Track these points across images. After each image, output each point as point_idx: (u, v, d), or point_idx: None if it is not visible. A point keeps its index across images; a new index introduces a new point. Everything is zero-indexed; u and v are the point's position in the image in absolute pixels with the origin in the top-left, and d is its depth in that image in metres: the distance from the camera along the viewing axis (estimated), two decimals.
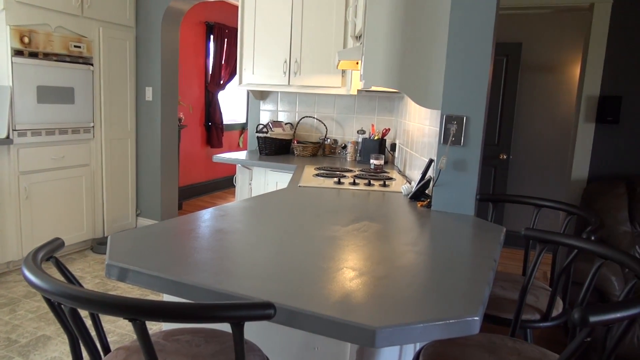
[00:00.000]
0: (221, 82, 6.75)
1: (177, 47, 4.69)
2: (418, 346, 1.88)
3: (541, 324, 1.65)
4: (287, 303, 1.02)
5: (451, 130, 2.00)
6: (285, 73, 3.65)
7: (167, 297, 1.57)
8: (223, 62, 6.74)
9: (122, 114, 4.45)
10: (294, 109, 4.08)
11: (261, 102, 4.18)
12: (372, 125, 3.77)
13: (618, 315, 0.91)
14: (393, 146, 3.75)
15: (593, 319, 0.88)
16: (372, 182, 2.65)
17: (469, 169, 2.01)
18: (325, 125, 3.98)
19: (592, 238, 1.50)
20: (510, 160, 5.03)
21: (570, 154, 3.30)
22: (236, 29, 6.86)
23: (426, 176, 2.21)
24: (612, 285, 2.44)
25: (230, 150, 7.35)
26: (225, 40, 6.73)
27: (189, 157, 6.45)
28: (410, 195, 2.26)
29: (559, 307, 1.75)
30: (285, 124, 3.95)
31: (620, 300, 0.95)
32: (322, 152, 3.97)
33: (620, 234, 2.81)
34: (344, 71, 3.51)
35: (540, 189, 4.96)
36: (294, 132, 3.98)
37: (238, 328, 0.84)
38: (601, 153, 3.17)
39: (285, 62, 3.64)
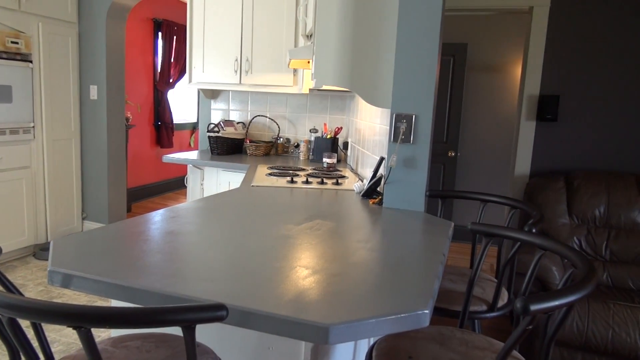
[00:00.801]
0: (170, 80, 6.59)
1: (123, 44, 4.53)
2: (372, 341, 1.91)
3: (488, 315, 1.71)
4: (240, 304, 1.01)
5: (401, 129, 2.04)
6: (236, 72, 3.61)
7: (115, 303, 1.52)
8: (172, 60, 6.58)
9: (65, 114, 4.26)
10: (246, 108, 4.04)
11: (212, 101, 4.12)
12: (325, 124, 3.79)
13: (557, 303, 0.96)
14: (345, 145, 3.79)
15: (534, 307, 0.92)
16: (325, 180, 2.67)
17: (419, 166, 2.06)
18: (277, 124, 3.97)
19: (533, 231, 1.57)
20: (458, 157, 5.20)
21: (513, 150, 3.44)
22: (185, 26, 6.71)
23: (377, 174, 2.24)
24: (553, 274, 2.56)
25: (181, 150, 7.19)
26: (174, 37, 6.57)
27: (138, 157, 6.26)
28: (362, 193, 2.29)
29: (504, 298, 1.82)
30: (237, 123, 3.91)
31: (558, 289, 1.00)
32: (275, 151, 3.95)
33: (560, 226, 2.96)
34: (295, 70, 3.51)
35: (486, 184, 5.15)
36: (246, 131, 3.95)
37: (189, 331, 0.83)
38: (542, 149, 3.33)
39: (237, 60, 3.60)
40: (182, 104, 7.38)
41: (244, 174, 3.07)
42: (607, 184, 2.95)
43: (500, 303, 1.78)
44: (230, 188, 3.31)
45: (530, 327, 0.98)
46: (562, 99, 3.25)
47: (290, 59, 2.76)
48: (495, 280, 1.95)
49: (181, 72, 6.72)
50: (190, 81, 3.75)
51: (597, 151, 3.23)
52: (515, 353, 1.33)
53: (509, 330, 3.15)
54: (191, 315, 0.80)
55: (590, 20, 3.15)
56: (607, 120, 3.19)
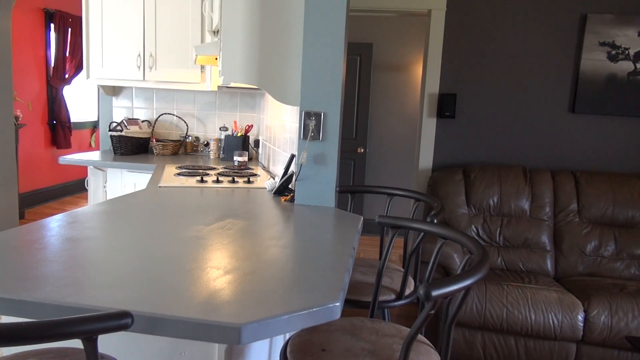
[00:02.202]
0: (66, 76, 6.13)
1: (8, 36, 4.14)
2: (288, 337, 1.92)
3: (396, 303, 1.80)
4: (147, 310, 0.97)
5: (310, 126, 2.07)
6: (139, 67, 3.44)
7: (7, 319, 1.39)
8: (67, 54, 6.12)
9: None
10: (151, 106, 3.87)
11: (114, 98, 3.89)
12: (235, 122, 3.74)
13: (455, 287, 1.04)
14: (256, 142, 3.76)
15: (435, 293, 0.98)
16: (236, 179, 2.63)
17: (328, 163, 2.11)
18: (185, 122, 3.85)
19: (435, 221, 1.68)
20: (367, 154, 5.38)
21: (417, 146, 3.63)
22: (81, 18, 6.27)
23: (289, 171, 2.26)
24: (454, 261, 2.75)
25: (80, 150, 6.72)
26: (69, 29, 6.12)
27: (31, 159, 5.76)
28: (274, 190, 2.29)
29: (411, 286, 1.92)
30: (142, 121, 3.73)
31: (456, 275, 1.08)
32: (184, 150, 3.83)
33: (460, 215, 3.17)
34: (203, 66, 3.42)
35: (394, 178, 5.39)
36: (152, 130, 3.78)
37: (90, 343, 0.78)
38: (442, 145, 3.55)
39: (139, 55, 3.43)
40: (80, 101, 6.89)
41: (151, 175, 2.94)
42: (500, 175, 3.21)
43: (408, 291, 1.87)
44: (136, 190, 3.15)
45: (433, 311, 1.04)
46: (458, 97, 3.48)
47: (196, 55, 2.68)
48: (403, 270, 2.05)
49: (78, 67, 6.27)
50: (88, 77, 3.52)
51: (490, 145, 3.50)
52: (420, 337, 1.41)
53: (417, 316, 3.32)
54: (90, 325, 0.76)
55: (483, 24, 3.40)
56: (497, 117, 3.47)
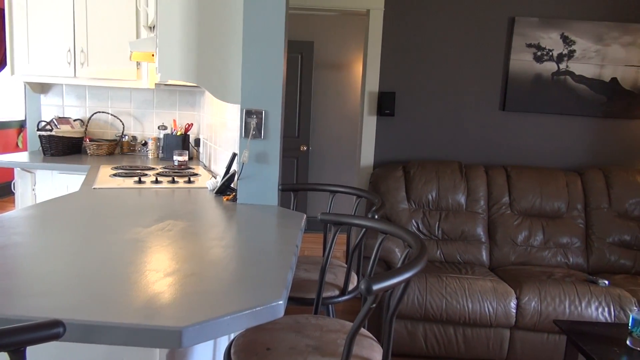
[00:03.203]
0: None
1: None
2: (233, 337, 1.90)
3: (340, 299, 1.82)
4: (81, 317, 0.93)
5: (251, 124, 2.05)
6: (69, 63, 3.27)
7: None
8: None
9: None
10: (84, 104, 3.69)
11: (42, 96, 3.67)
12: (174, 121, 3.64)
13: (395, 280, 1.06)
14: (197, 141, 3.68)
15: (376, 287, 1.01)
16: (176, 179, 2.57)
17: (270, 161, 2.10)
18: (121, 121, 3.70)
19: (376, 217, 1.71)
20: (310, 151, 5.40)
21: (358, 143, 3.69)
22: (3, 10, 5.87)
23: (231, 170, 2.23)
24: (396, 255, 2.82)
25: (6, 151, 6.29)
26: None
27: None
28: (216, 190, 2.25)
29: (354, 282, 1.96)
30: (74, 120, 3.56)
31: (396, 268, 1.11)
32: (120, 150, 3.69)
33: (401, 210, 3.26)
34: (139, 63, 3.30)
35: (338, 176, 5.45)
36: (85, 129, 3.61)
37: (17, 355, 0.74)
38: (383, 142, 3.63)
39: (69, 51, 3.26)
40: (4, 99, 6.45)
41: (85, 176, 2.81)
42: (437, 171, 3.32)
43: (351, 287, 1.90)
44: (69, 192, 3.00)
45: (374, 305, 1.07)
46: (398, 95, 3.57)
47: (132, 52, 2.59)
48: (346, 265, 2.08)
49: (1, 63, 5.87)
50: (12, 73, 3.30)
51: (428, 142, 3.62)
52: (364, 331, 1.44)
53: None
54: (17, 337, 0.71)
55: (419, 25, 3.51)
56: (434, 115, 3.59)
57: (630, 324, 2.02)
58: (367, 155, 3.61)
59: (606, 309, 2.64)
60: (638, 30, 3.43)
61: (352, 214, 2.07)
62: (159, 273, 1.19)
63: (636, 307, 2.64)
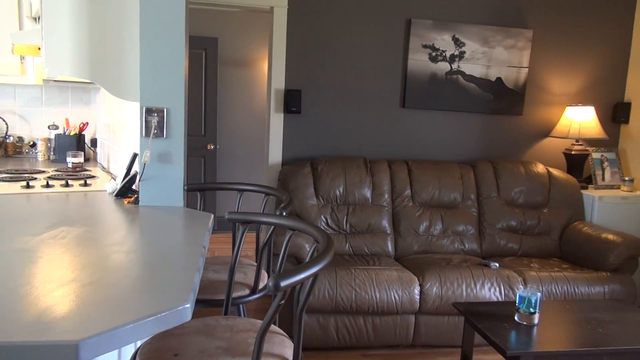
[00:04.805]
0: None
1: None
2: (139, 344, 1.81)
3: (250, 298, 1.81)
4: None
5: (152, 123, 1.97)
6: None
7: None
8: None
9: None
10: None
11: None
12: (67, 120, 3.39)
13: (303, 276, 1.08)
14: (94, 141, 3.46)
15: (284, 283, 1.02)
16: (70, 182, 2.39)
17: (174, 161, 2.03)
18: (5, 120, 3.36)
19: (284, 214, 1.72)
20: (218, 150, 5.29)
21: (266, 141, 3.68)
22: None
23: (131, 171, 2.12)
24: (305, 251, 2.86)
25: None
26: None
27: None
28: (115, 192, 2.13)
29: (265, 279, 1.95)
30: None
31: (303, 263, 1.12)
32: (4, 152, 3.35)
33: (309, 207, 3.31)
34: (23, 57, 3.02)
35: (247, 174, 5.39)
36: None
37: None
38: (290, 139, 3.65)
39: None
40: None
41: None
42: (344, 167, 3.42)
43: (261, 285, 1.90)
44: None
45: (283, 301, 1.08)
46: (303, 93, 3.61)
47: (14, 44, 2.36)
48: (256, 264, 2.07)
49: None
50: None
51: (334, 139, 3.71)
52: (275, 328, 1.44)
53: None
54: None
55: (323, 23, 3.57)
56: (339, 112, 3.69)
57: (517, 301, 2.23)
58: (275, 153, 3.61)
59: (497, 289, 2.88)
60: (518, 34, 3.78)
61: (261, 212, 2.07)
62: (52, 284, 1.11)
63: (522, 285, 2.92)
